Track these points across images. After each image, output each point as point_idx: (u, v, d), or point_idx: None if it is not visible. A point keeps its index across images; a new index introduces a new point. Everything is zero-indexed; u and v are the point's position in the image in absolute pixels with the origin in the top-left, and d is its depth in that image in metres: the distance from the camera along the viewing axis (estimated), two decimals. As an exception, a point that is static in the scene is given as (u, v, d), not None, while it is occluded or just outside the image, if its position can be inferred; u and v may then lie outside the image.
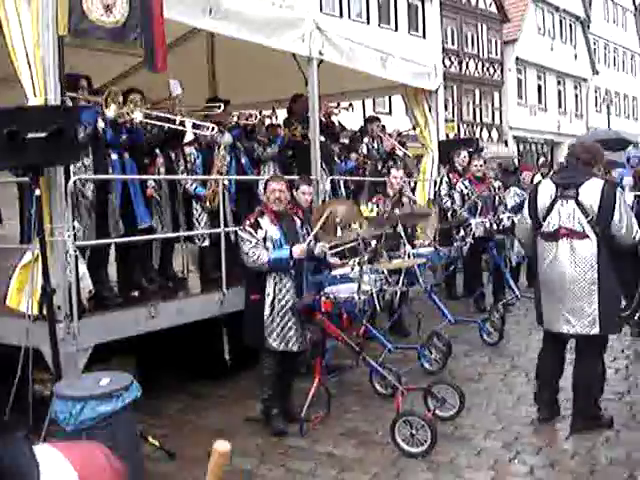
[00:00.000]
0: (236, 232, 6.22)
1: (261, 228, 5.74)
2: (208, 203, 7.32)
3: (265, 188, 5.97)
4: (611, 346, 7.61)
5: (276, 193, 5.80)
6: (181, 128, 7.06)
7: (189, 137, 7.08)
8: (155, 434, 5.46)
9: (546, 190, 5.47)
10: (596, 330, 5.26)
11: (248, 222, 5.80)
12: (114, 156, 6.52)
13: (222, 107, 7.56)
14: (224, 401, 6.64)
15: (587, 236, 5.22)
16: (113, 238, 6.38)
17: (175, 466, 5.20)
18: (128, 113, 6.36)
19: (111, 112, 5.96)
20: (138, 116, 6.42)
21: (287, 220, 5.93)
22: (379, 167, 10.49)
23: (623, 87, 49.72)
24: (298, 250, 5.67)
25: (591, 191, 5.23)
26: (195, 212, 7.43)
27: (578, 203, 5.24)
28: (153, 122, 6.71)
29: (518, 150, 35.69)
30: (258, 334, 5.72)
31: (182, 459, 5.27)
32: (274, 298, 5.71)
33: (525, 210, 5.72)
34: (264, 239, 5.70)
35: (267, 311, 5.70)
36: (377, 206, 8.36)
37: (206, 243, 7.45)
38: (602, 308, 5.21)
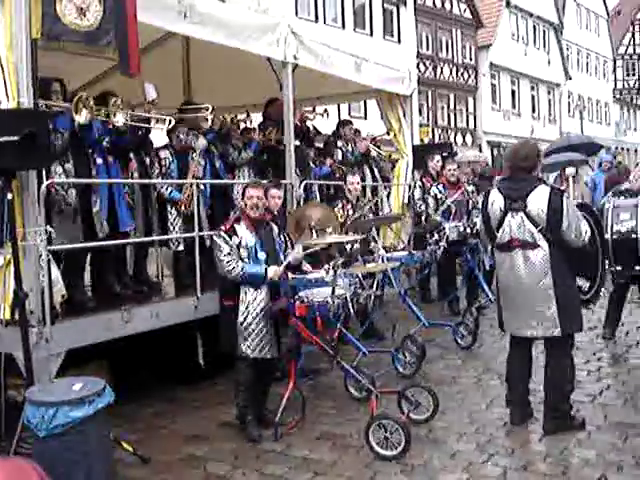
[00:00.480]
0: (211, 237, 6.21)
1: (237, 234, 5.73)
2: (183, 207, 7.30)
3: (243, 194, 5.96)
4: (584, 349, 7.73)
5: (254, 199, 5.80)
6: (160, 126, 7.03)
7: (162, 141, 7.06)
8: (129, 439, 5.44)
9: (495, 202, 5.57)
10: (558, 331, 5.38)
11: (224, 228, 5.80)
12: (99, 160, 6.50)
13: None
14: (198, 406, 6.62)
15: (539, 245, 5.34)
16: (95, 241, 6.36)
17: (149, 471, 5.17)
18: (109, 116, 6.33)
19: (82, 118, 5.91)
20: (120, 120, 6.39)
21: (264, 227, 5.93)
22: (362, 169, 10.57)
23: (595, 92, 50.34)
24: (272, 273, 5.68)
25: (538, 200, 5.33)
26: (170, 216, 7.41)
27: (527, 214, 5.36)
28: (137, 124, 6.68)
29: (492, 155, 35.92)
30: (232, 340, 5.71)
31: (156, 464, 5.26)
32: (248, 304, 5.70)
33: (480, 221, 5.84)
34: (238, 246, 5.70)
35: (241, 317, 5.69)
36: (342, 210, 8.38)
37: (181, 247, 7.42)
38: (561, 310, 5.35)
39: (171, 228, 7.39)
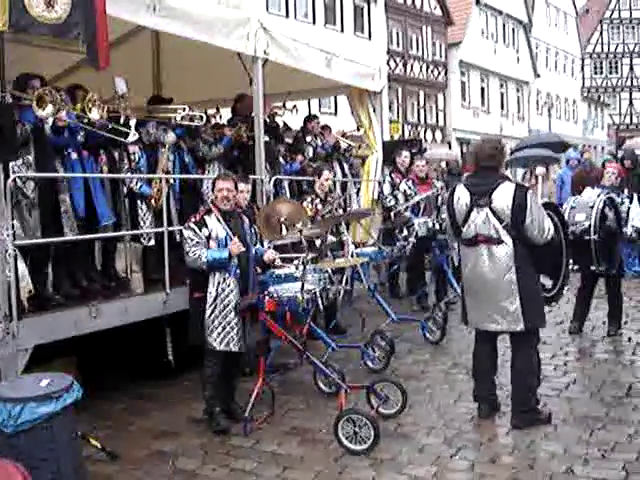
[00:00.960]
0: (181, 231, 6.18)
1: (206, 226, 5.71)
2: (153, 202, 7.26)
3: (213, 186, 5.94)
4: (551, 344, 7.83)
5: (224, 192, 5.79)
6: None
7: (133, 136, 7.00)
8: (98, 435, 5.41)
9: (461, 198, 5.63)
10: (521, 326, 5.46)
11: (193, 219, 5.78)
12: (74, 155, 6.43)
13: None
14: (167, 401, 6.59)
15: (503, 241, 5.41)
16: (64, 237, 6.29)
17: (118, 467, 5.14)
18: (85, 111, 6.26)
19: (45, 112, 5.81)
20: (95, 115, 6.33)
21: (235, 219, 5.92)
22: (331, 164, 10.59)
23: (564, 90, 50.84)
24: (234, 247, 5.66)
25: (503, 196, 5.40)
26: (140, 211, 7.36)
27: (492, 210, 5.42)
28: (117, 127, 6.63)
29: (461, 152, 36.14)
30: (200, 332, 5.70)
31: (125, 460, 5.23)
32: (216, 297, 5.69)
33: (446, 216, 5.91)
34: (208, 238, 5.68)
35: (209, 310, 5.68)
36: (311, 204, 8.40)
37: (152, 243, 7.38)
38: (524, 305, 5.43)
39: (141, 223, 7.35)
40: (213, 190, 5.92)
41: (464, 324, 5.98)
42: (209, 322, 5.68)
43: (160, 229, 6.93)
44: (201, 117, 7.95)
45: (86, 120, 6.31)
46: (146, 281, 7.42)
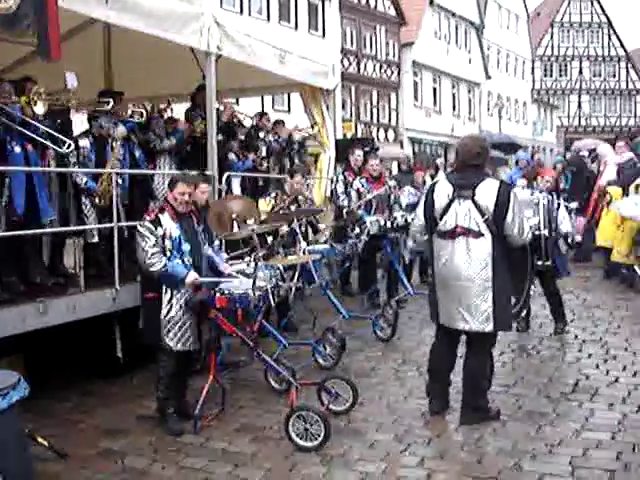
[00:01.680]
0: (128, 228, 6.10)
1: (161, 225, 5.64)
2: (98, 199, 7.15)
3: (172, 186, 5.83)
4: (499, 340, 7.88)
5: (185, 196, 5.71)
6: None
7: (80, 129, 6.90)
8: (45, 434, 5.32)
9: (443, 190, 5.59)
10: (490, 327, 5.44)
11: (149, 218, 5.70)
12: (17, 149, 6.30)
13: (110, 103, 7.41)
14: (116, 399, 6.51)
15: (482, 235, 5.37)
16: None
17: (66, 466, 5.07)
18: (30, 104, 6.15)
19: None
20: (41, 109, 6.22)
21: (186, 218, 5.86)
22: (283, 160, 10.62)
23: (514, 92, 51.55)
24: (190, 280, 5.58)
25: (487, 191, 5.38)
26: (84, 207, 7.25)
27: (474, 203, 5.39)
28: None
29: (413, 151, 36.41)
30: (156, 333, 5.63)
31: (73, 459, 5.16)
32: (172, 297, 5.63)
33: (420, 209, 5.84)
34: (163, 237, 5.61)
35: (164, 310, 5.62)
36: (274, 200, 8.39)
37: (95, 239, 7.27)
38: (496, 305, 5.39)
39: (85, 219, 7.24)
40: (171, 189, 5.83)
41: (433, 321, 5.88)
42: (165, 322, 5.61)
43: (110, 225, 6.84)
44: (141, 113, 7.88)
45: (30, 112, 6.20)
46: (95, 278, 7.30)
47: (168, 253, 5.60)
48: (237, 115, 9.83)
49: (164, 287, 5.63)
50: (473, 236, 5.40)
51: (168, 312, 5.62)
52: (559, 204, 8.37)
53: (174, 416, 5.73)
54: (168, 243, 5.62)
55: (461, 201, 5.45)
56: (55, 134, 6.59)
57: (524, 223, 5.46)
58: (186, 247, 5.73)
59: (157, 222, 5.64)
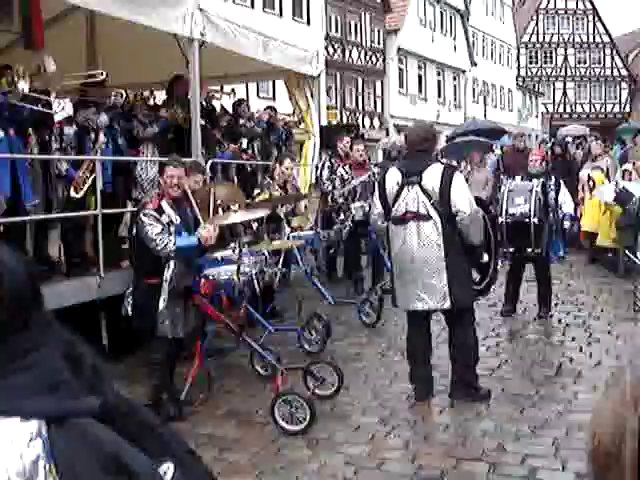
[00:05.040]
0: (136, 218, 6.03)
1: (164, 212, 5.62)
2: (73, 190, 7.06)
3: (161, 172, 5.82)
4: (483, 325, 7.98)
5: (174, 179, 5.69)
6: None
7: (62, 116, 6.84)
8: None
9: (393, 177, 5.76)
10: (448, 304, 5.58)
11: (151, 206, 5.64)
12: (0, 134, 6.26)
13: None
14: (102, 386, 6.51)
15: (431, 217, 5.54)
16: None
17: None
18: (14, 84, 6.09)
19: None
20: (24, 87, 6.16)
21: (181, 205, 5.85)
22: (270, 147, 10.62)
23: (499, 79, 51.60)
24: (206, 233, 5.58)
25: (432, 175, 5.56)
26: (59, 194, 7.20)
27: (421, 187, 5.56)
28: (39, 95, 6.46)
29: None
30: (150, 319, 5.62)
31: (57, 445, 5.16)
32: (171, 282, 5.63)
33: (376, 197, 5.97)
34: (168, 224, 5.60)
35: (164, 297, 5.60)
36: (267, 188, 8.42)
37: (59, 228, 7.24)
38: (451, 283, 5.54)
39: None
40: (161, 173, 5.82)
41: (394, 306, 6.05)
42: (162, 308, 5.60)
43: (94, 212, 6.82)
44: (121, 94, 7.85)
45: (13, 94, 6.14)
46: (72, 266, 7.25)
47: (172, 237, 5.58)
48: (214, 95, 9.77)
49: (166, 274, 5.61)
50: (422, 220, 5.57)
51: (167, 298, 5.61)
52: (559, 184, 8.44)
53: (170, 402, 5.70)
54: (172, 229, 5.61)
55: (410, 187, 5.61)
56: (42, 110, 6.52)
57: (470, 200, 5.59)
58: (185, 234, 5.71)
59: (160, 210, 5.62)
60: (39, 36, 5.51)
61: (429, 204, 5.52)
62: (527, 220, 7.87)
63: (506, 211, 7.99)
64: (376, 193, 5.98)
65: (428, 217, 5.54)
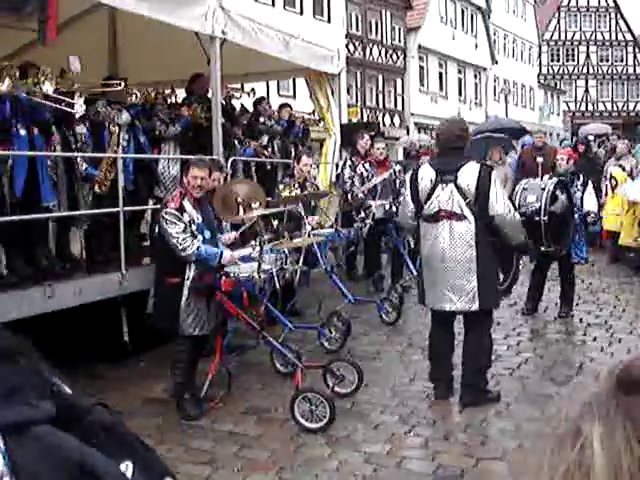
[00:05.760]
0: (157, 216, 6.07)
1: (186, 211, 5.66)
2: (97, 187, 7.12)
3: (187, 171, 5.84)
4: (504, 324, 7.96)
5: (198, 180, 5.72)
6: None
7: (79, 107, 6.86)
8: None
9: (426, 175, 5.67)
10: (476, 306, 5.52)
11: (173, 205, 5.67)
12: (22, 132, 6.29)
13: (122, 85, 7.40)
14: (124, 382, 6.55)
15: (465, 217, 5.47)
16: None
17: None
18: (38, 84, 6.13)
19: (4, 87, 5.72)
20: (49, 88, 6.20)
21: (204, 204, 5.88)
22: (288, 145, 10.63)
23: (521, 77, 51.27)
24: (229, 256, 5.66)
25: (468, 174, 5.47)
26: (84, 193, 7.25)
27: (457, 186, 5.47)
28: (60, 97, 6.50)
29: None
30: (172, 317, 5.65)
31: (79, 441, 5.20)
32: (193, 282, 5.65)
33: (407, 195, 5.90)
34: (190, 223, 5.63)
35: (185, 295, 5.63)
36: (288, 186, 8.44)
37: (84, 227, 7.28)
38: (480, 285, 5.48)
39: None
40: (186, 173, 5.84)
41: (421, 304, 6.01)
42: (185, 307, 5.63)
43: (116, 209, 6.85)
44: (139, 95, 7.89)
45: (37, 94, 6.18)
46: (95, 263, 7.30)
47: (194, 238, 5.62)
48: (234, 94, 9.79)
49: (187, 272, 5.65)
50: (456, 219, 5.49)
51: (189, 297, 5.64)
52: (586, 182, 8.39)
53: (191, 400, 5.73)
54: (194, 228, 5.65)
55: (444, 185, 5.53)
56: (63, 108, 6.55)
57: (508, 202, 5.57)
58: (207, 234, 5.76)
59: (182, 209, 5.65)
60: (52, 30, 5.52)
61: (464, 203, 5.44)
62: (537, 218, 7.82)
63: (518, 209, 7.94)
64: (407, 191, 5.91)
65: (462, 216, 5.46)
